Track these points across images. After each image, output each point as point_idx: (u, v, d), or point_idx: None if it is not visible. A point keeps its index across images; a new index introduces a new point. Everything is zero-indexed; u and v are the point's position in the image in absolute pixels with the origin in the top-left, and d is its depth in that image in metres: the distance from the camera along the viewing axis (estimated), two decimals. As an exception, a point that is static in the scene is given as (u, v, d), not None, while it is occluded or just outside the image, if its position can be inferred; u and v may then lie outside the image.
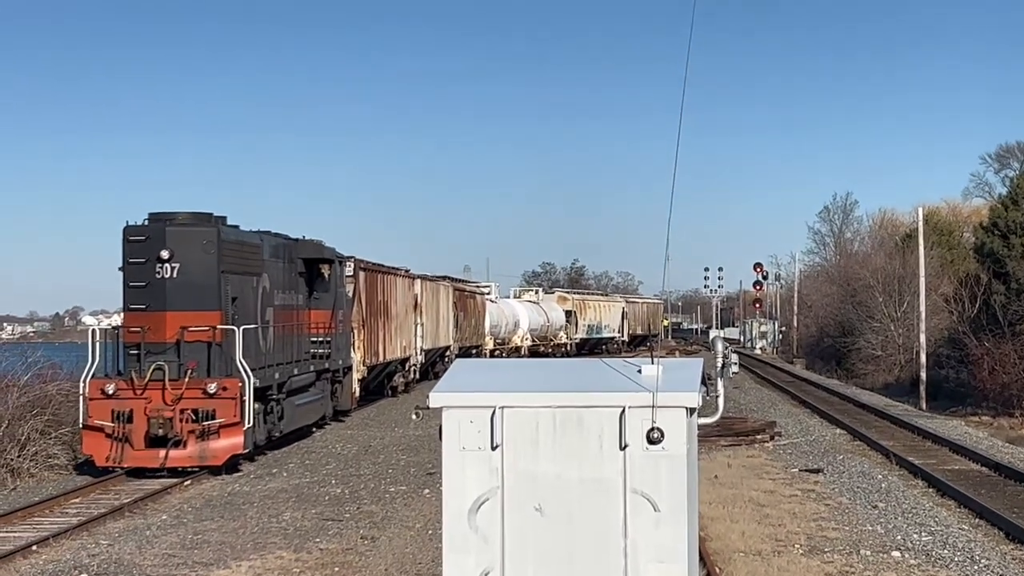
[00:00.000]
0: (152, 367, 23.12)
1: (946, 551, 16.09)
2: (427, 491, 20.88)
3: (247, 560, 15.64)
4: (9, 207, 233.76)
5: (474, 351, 56.20)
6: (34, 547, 16.64)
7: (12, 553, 16.10)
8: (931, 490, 21.91)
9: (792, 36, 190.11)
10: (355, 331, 36.26)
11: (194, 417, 23.11)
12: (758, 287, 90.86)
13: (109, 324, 25.72)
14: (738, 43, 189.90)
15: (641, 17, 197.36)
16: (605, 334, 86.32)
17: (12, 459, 23.50)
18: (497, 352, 60.48)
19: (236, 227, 25.51)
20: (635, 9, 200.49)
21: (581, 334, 79.67)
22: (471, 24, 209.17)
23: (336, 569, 15.11)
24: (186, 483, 22.58)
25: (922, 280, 45.56)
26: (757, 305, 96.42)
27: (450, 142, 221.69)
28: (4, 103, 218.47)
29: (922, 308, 45.13)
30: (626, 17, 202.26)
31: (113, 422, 22.92)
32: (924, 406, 41.47)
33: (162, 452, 22.96)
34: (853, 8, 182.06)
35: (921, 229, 47.55)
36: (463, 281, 62.26)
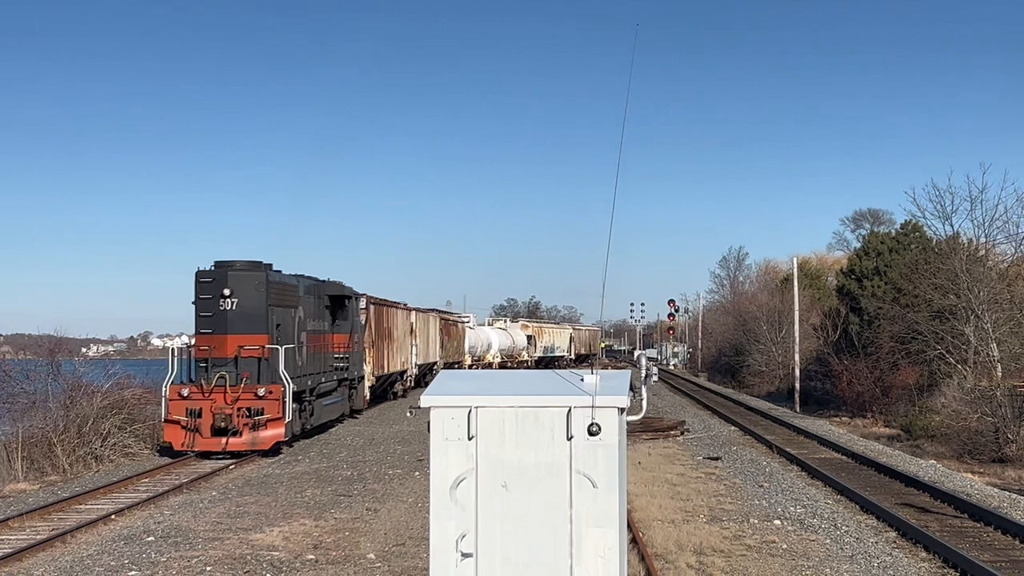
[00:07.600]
0: (216, 376, 23.43)
1: (815, 520, 16.10)
2: (417, 473, 20.73)
3: (278, 526, 15.46)
4: (96, 250, 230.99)
5: (456, 365, 55.92)
6: (112, 516, 16.46)
7: (95, 521, 15.94)
8: (804, 473, 21.94)
9: (698, 128, 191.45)
10: (367, 350, 36.23)
11: (248, 413, 23.38)
12: (671, 317, 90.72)
13: (179, 344, 25.71)
14: (658, 132, 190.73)
15: (585, 107, 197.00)
16: (558, 353, 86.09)
17: (96, 448, 23.27)
18: (473, 366, 60.19)
19: (279, 271, 25.55)
20: (581, 98, 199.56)
21: (539, 353, 79.39)
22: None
23: (347, 534, 14.94)
24: (231, 466, 22.34)
25: (796, 313, 45.80)
26: (671, 331, 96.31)
27: (443, 216, 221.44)
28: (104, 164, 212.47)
29: (796, 334, 45.33)
30: (575, 106, 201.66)
31: (187, 417, 23.16)
32: (798, 409, 41.57)
33: (224, 439, 23.20)
34: (750, 105, 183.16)
35: (795, 274, 47.86)
36: (447, 312, 62.13)
